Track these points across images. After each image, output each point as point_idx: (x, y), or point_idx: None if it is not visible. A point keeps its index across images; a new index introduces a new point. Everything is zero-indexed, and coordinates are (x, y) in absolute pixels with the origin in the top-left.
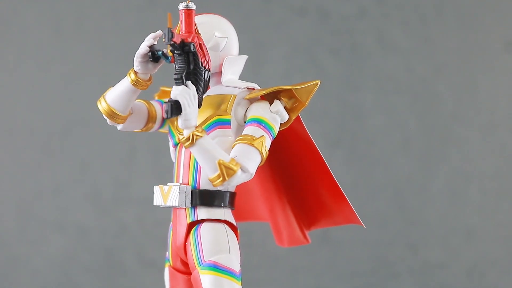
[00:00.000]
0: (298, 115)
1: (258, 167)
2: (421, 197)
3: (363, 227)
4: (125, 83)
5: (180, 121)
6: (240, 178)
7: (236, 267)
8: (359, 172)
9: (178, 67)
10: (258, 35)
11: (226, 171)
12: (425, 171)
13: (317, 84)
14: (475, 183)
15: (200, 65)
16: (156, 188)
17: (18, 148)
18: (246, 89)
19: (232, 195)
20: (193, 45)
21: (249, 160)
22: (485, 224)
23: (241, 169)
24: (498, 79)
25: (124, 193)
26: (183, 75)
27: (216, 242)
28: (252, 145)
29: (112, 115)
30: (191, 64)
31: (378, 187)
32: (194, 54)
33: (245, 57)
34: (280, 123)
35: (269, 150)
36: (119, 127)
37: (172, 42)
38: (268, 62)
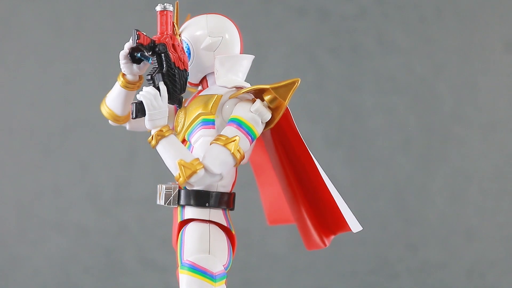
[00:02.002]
0: (292, 118)
1: (235, 167)
2: (421, 197)
3: (352, 232)
4: (117, 86)
5: (145, 121)
6: (204, 178)
7: (215, 269)
8: (359, 172)
9: (152, 68)
10: (258, 35)
11: (185, 171)
12: (425, 171)
13: (295, 82)
14: (475, 183)
15: (173, 66)
16: (157, 187)
17: (18, 148)
18: (234, 89)
19: (225, 195)
20: (163, 45)
21: (215, 160)
22: (485, 224)
23: (205, 169)
24: (498, 79)
25: (124, 193)
26: (154, 75)
27: (197, 242)
28: (224, 146)
29: (114, 117)
30: (164, 64)
31: (378, 187)
32: (166, 55)
33: (243, 56)
34: (266, 123)
35: (280, 154)
36: (127, 127)
37: (138, 44)
38: (268, 62)
